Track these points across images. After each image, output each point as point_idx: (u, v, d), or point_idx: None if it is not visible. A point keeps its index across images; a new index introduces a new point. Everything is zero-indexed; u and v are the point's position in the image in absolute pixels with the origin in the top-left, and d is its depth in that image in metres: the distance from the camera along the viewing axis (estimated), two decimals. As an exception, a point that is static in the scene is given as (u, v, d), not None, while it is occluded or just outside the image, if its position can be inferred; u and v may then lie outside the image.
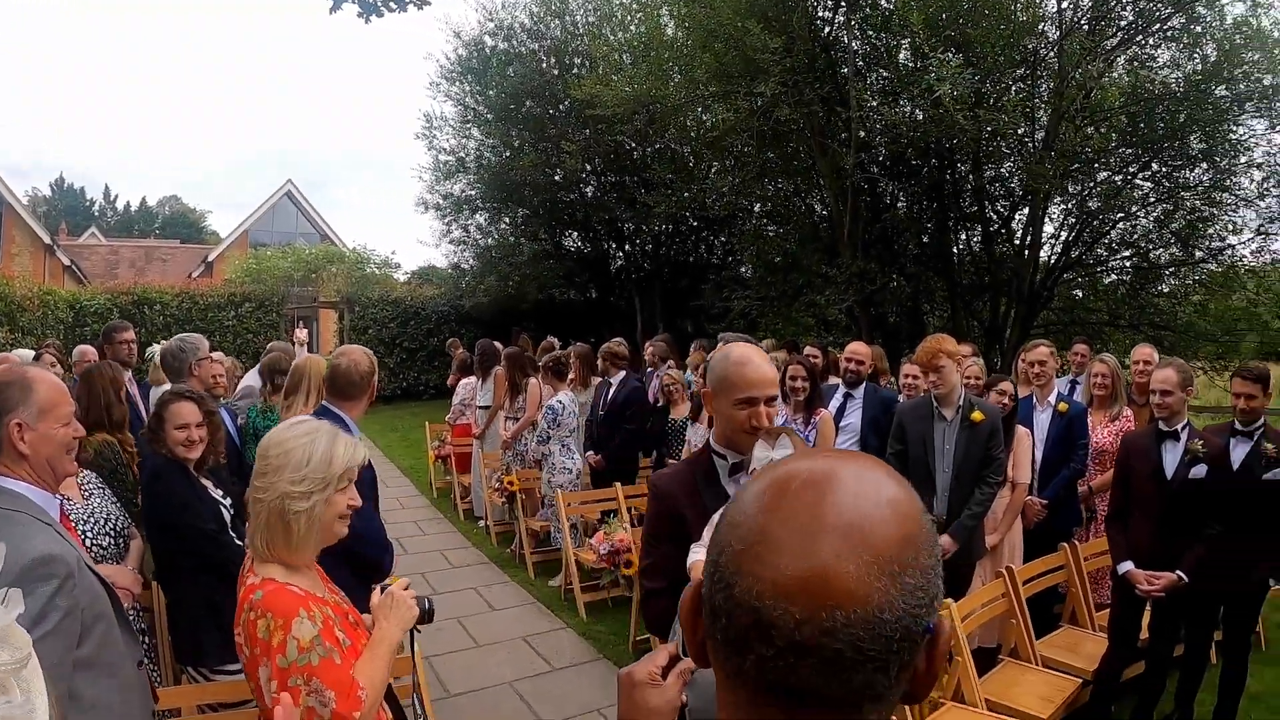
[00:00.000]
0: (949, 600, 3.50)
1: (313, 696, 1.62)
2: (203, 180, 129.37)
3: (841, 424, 4.88)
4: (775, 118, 10.32)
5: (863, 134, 10.38)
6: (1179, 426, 3.60)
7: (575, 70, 14.48)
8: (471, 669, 4.56)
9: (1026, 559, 4.33)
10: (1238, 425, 3.66)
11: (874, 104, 9.85)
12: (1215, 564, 3.52)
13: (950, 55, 9.40)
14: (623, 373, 6.28)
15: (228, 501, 3.05)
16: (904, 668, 0.64)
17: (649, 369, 7.49)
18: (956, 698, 3.56)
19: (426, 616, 1.91)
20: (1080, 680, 3.85)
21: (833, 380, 5.39)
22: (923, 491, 3.81)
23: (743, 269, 14.47)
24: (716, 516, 1.65)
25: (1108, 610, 4.11)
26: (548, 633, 5.12)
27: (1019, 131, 10.56)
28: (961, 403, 3.86)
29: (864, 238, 11.37)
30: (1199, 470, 3.51)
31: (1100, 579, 4.54)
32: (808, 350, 5.90)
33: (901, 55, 10.51)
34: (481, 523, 7.42)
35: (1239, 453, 3.61)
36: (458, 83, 15.50)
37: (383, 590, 1.89)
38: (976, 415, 3.76)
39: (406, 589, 1.90)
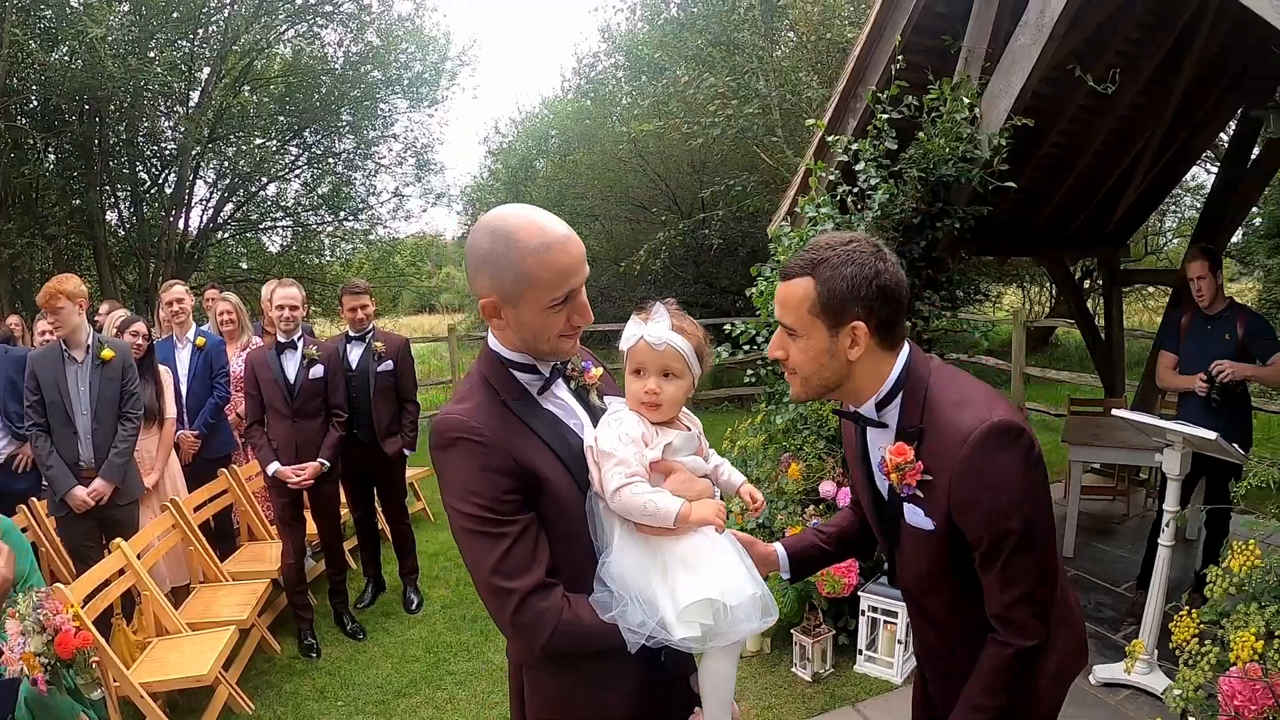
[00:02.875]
0: (120, 540, 3.54)
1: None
2: None
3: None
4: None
5: (16, 80, 9.21)
6: (296, 338, 4.16)
7: None
8: None
9: (191, 489, 4.52)
10: (350, 333, 4.53)
11: (32, 46, 8.76)
12: (364, 441, 4.38)
13: (118, 3, 9.23)
14: None
15: None
16: None
17: None
18: (160, 632, 3.68)
19: None
20: (269, 580, 4.32)
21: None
22: (66, 436, 3.79)
23: None
24: (599, 441, 1.38)
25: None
26: None
27: (177, 88, 10.72)
28: (91, 343, 3.87)
29: (2, 197, 10.05)
30: (318, 370, 4.20)
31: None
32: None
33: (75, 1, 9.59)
34: None
35: (354, 354, 4.50)
36: None
37: None
38: (106, 354, 3.83)
39: None
